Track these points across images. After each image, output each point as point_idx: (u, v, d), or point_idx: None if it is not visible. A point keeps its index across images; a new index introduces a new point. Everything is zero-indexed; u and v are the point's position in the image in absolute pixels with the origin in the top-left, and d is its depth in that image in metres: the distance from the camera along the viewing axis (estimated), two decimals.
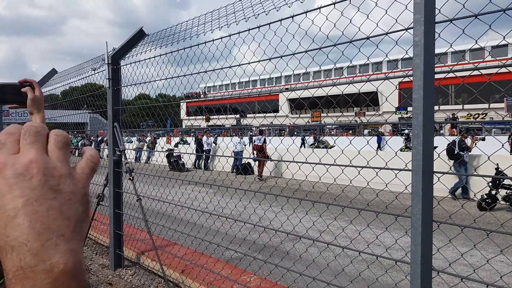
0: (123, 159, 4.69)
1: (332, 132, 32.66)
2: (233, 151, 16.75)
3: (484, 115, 28.64)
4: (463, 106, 26.76)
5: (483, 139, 10.20)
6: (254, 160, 14.85)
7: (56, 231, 0.42)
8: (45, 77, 7.56)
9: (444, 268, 2.32)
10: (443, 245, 2.33)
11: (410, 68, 2.07)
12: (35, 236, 0.41)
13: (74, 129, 8.47)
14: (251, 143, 17.44)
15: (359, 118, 34.83)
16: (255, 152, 15.24)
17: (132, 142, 20.16)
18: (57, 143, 0.47)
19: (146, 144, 19.98)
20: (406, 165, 2.16)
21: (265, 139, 15.62)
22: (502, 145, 1.98)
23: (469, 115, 29.90)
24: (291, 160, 2.98)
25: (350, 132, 30.11)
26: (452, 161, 10.24)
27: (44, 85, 7.71)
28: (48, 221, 0.42)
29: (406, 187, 2.17)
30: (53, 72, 7.57)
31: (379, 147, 19.14)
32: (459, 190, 10.42)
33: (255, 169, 15.66)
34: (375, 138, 20.05)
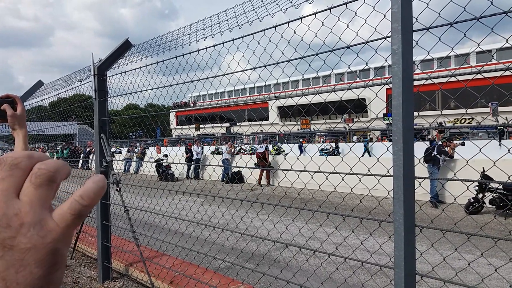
0: (110, 170, 4.66)
1: (322, 139, 32.83)
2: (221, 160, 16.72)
3: (470, 119, 29.02)
4: (441, 112, 27.06)
5: (463, 144, 10.36)
6: (257, 168, 14.64)
7: None
8: (31, 89, 7.52)
9: (428, 272, 2.34)
10: (426, 249, 2.35)
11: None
12: None
13: (62, 141, 8.41)
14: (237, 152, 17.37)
15: (348, 124, 35.05)
16: (257, 160, 15.12)
17: (120, 152, 19.97)
18: (36, 180, 0.35)
19: (135, 154, 19.86)
20: (388, 171, 2.19)
21: (267, 146, 15.57)
22: (480, 150, 2.01)
23: (456, 119, 30.29)
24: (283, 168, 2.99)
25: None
26: (427, 164, 10.47)
27: (30, 97, 7.66)
28: None
29: (388, 193, 2.20)
30: (39, 84, 7.53)
31: None
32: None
33: (251, 178, 15.51)
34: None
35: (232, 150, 17.58)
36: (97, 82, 4.68)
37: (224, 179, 16.29)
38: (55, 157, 21.39)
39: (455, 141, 10.71)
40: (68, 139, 8.57)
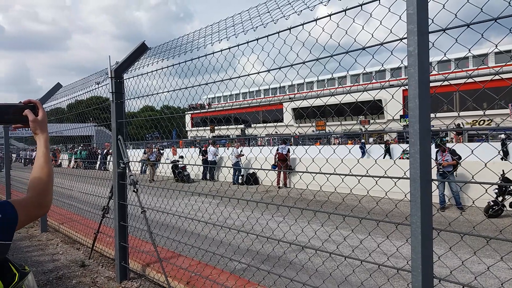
0: (127, 172, 4.73)
1: (337, 141, 32.66)
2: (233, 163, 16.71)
3: (489, 121, 28.50)
4: (458, 114, 26.58)
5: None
6: (275, 169, 14.34)
7: None
8: (50, 92, 7.68)
9: (446, 275, 2.32)
10: (444, 253, 2.33)
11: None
12: None
13: (80, 142, 8.55)
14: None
15: (364, 126, 34.81)
16: (277, 161, 14.79)
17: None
18: None
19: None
20: (405, 173, 2.17)
21: (289, 148, 15.13)
22: (499, 152, 1.99)
23: (474, 121, 29.80)
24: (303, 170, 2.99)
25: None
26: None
27: (49, 99, 7.82)
28: None
29: (405, 195, 2.18)
30: (58, 86, 7.68)
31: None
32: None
33: (266, 179, 15.38)
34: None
35: (240, 152, 17.16)
36: (114, 85, 4.74)
37: (236, 182, 16.27)
38: (73, 158, 21.71)
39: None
40: (85, 140, 8.71)
